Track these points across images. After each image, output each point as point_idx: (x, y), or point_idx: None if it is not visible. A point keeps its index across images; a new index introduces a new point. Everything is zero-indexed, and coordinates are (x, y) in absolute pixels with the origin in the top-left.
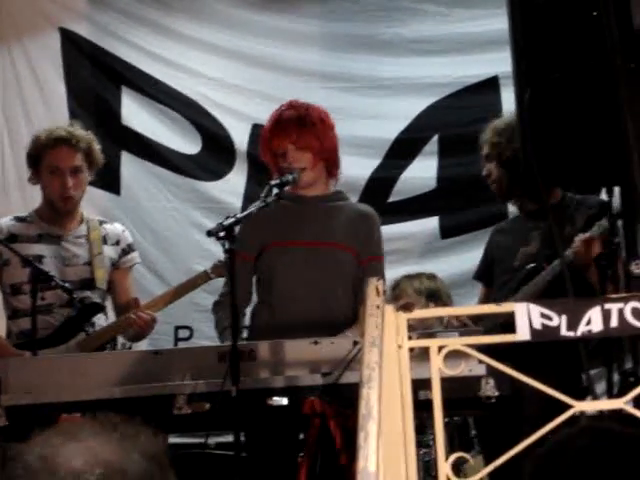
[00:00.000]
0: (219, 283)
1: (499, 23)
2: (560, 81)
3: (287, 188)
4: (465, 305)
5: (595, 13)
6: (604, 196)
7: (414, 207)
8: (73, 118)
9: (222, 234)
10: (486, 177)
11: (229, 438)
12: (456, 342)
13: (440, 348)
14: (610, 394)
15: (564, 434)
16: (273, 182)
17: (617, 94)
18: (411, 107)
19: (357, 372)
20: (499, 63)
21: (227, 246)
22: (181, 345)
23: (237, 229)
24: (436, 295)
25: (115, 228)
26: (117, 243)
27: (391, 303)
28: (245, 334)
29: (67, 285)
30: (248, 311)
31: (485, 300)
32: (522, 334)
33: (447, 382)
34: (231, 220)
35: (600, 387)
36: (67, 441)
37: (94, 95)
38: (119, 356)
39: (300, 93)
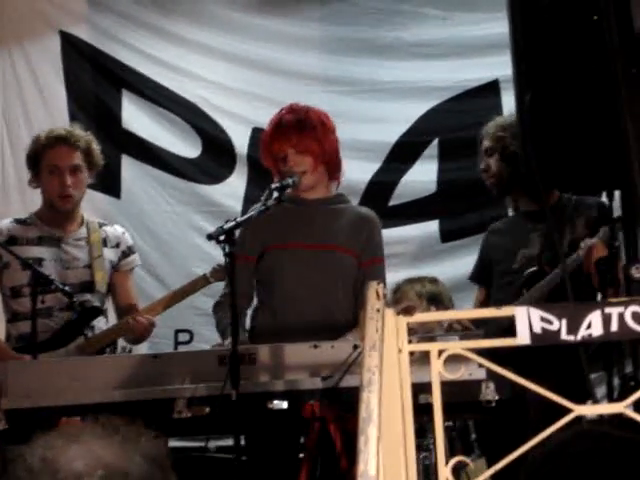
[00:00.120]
0: (219, 287)
1: (500, 27)
2: (561, 85)
3: (288, 191)
4: (465, 309)
5: (596, 17)
6: (604, 199)
7: (414, 211)
8: (73, 121)
9: (222, 238)
10: (483, 171)
11: (229, 442)
12: (456, 346)
13: (440, 352)
14: (610, 398)
15: (560, 439)
16: (273, 185)
17: (618, 98)
18: (412, 111)
19: (357, 376)
20: (500, 67)
21: (227, 250)
22: (181, 349)
23: (238, 231)
24: (438, 299)
25: (115, 230)
26: (117, 245)
27: (392, 306)
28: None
29: (67, 289)
30: (249, 312)
31: (482, 301)
32: (522, 338)
33: (447, 386)
34: (231, 224)
35: (600, 391)
36: (69, 443)
37: (94, 98)
38: (119, 360)
39: (300, 97)
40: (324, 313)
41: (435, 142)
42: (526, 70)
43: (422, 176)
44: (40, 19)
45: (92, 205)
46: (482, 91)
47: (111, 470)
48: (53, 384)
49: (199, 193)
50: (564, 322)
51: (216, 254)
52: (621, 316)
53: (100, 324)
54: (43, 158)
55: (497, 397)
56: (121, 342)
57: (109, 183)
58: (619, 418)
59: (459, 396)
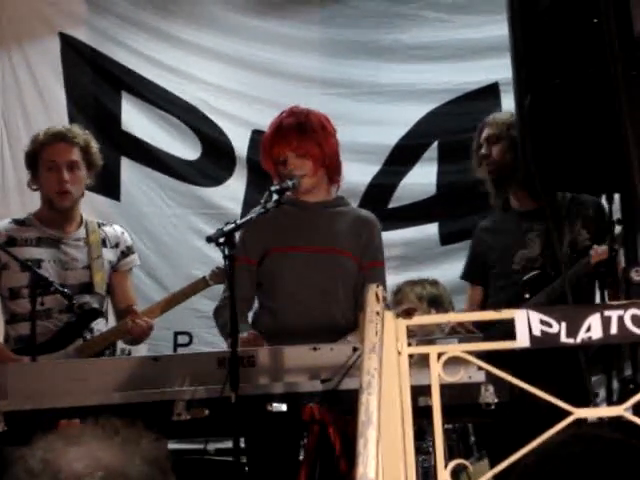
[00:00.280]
0: (219, 289)
1: (499, 29)
2: (560, 88)
3: (288, 194)
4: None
5: (596, 20)
6: (604, 202)
7: (414, 213)
8: (72, 123)
9: (222, 240)
10: (484, 156)
11: (228, 444)
12: (455, 349)
13: (439, 355)
14: (610, 401)
15: (551, 441)
16: (273, 188)
17: (617, 101)
18: (411, 113)
19: (356, 378)
20: (499, 69)
21: (227, 252)
22: (180, 351)
23: (239, 234)
24: (438, 301)
25: (114, 230)
26: (116, 245)
27: (393, 308)
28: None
29: (66, 291)
30: (250, 315)
31: (478, 300)
32: (522, 341)
33: (447, 389)
34: (231, 226)
35: (600, 394)
36: (69, 445)
37: (94, 100)
38: (118, 362)
39: (300, 99)
40: (325, 316)
41: (435, 145)
42: (526, 73)
43: (422, 179)
44: (40, 21)
45: (92, 207)
46: (482, 94)
47: (111, 472)
48: (53, 386)
49: (199, 195)
50: (563, 325)
51: (216, 256)
52: (621, 319)
53: (99, 326)
54: (41, 155)
55: (496, 400)
56: (120, 344)
57: (109, 185)
58: (618, 421)
59: (458, 399)
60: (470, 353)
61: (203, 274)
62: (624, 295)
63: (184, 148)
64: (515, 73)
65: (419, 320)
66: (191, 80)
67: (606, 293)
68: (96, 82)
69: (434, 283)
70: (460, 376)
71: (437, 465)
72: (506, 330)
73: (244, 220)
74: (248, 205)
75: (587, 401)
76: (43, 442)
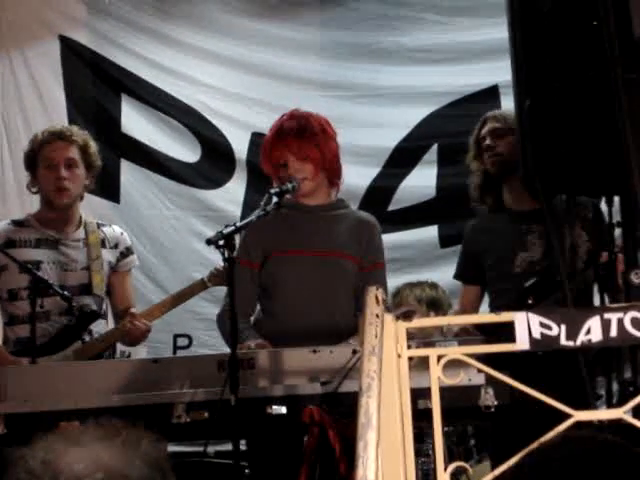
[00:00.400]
0: (219, 292)
1: (499, 32)
2: (560, 90)
3: (288, 197)
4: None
5: (595, 23)
6: (603, 205)
7: (413, 216)
8: (72, 125)
9: (221, 242)
10: (489, 148)
11: (228, 447)
12: (455, 351)
13: (439, 357)
14: (609, 404)
15: (545, 444)
16: (273, 190)
17: (617, 104)
18: (411, 116)
19: (356, 381)
20: (499, 72)
21: (226, 254)
22: (180, 353)
23: (240, 237)
24: (437, 304)
25: (113, 231)
26: (116, 246)
27: (392, 310)
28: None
29: (66, 293)
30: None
31: (471, 299)
32: (521, 343)
33: (446, 391)
34: (230, 229)
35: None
36: (69, 446)
37: (94, 103)
38: (118, 364)
39: (300, 101)
40: (326, 319)
41: (434, 147)
42: (526, 75)
43: (421, 181)
44: (40, 24)
45: (91, 209)
46: (482, 96)
47: (111, 473)
48: (52, 389)
49: (198, 198)
50: (563, 327)
51: (215, 259)
52: (620, 322)
53: (98, 327)
54: (40, 154)
55: (496, 403)
56: (120, 347)
57: (108, 188)
58: (618, 423)
59: (458, 401)
60: (470, 356)
61: (203, 276)
62: (624, 298)
63: (184, 150)
64: (515, 76)
65: (419, 323)
66: (191, 82)
67: (606, 296)
68: (96, 84)
69: (433, 286)
70: (460, 379)
71: (437, 468)
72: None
73: (244, 223)
74: (248, 207)
75: (587, 404)
76: (44, 443)
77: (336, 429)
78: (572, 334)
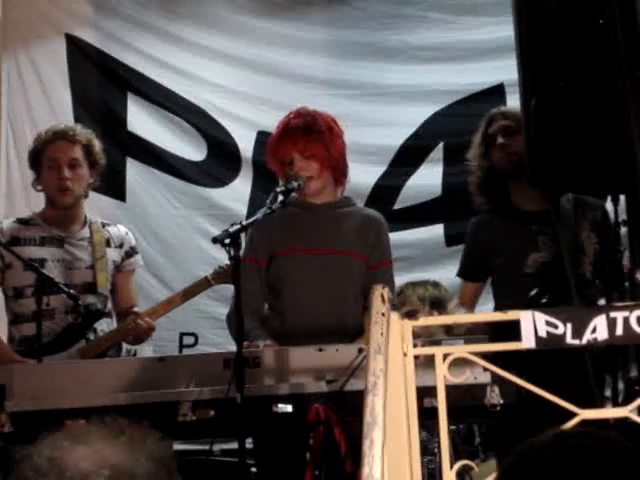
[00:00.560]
0: (224, 290)
1: (505, 31)
2: (566, 89)
3: (294, 195)
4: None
5: (601, 21)
6: (609, 204)
7: (419, 214)
8: (78, 124)
9: (227, 241)
10: (504, 146)
11: (234, 445)
12: (461, 350)
13: (445, 356)
14: (615, 402)
15: (538, 440)
16: (279, 189)
17: (623, 102)
18: (417, 114)
19: (362, 379)
20: (505, 71)
21: (232, 253)
22: (186, 352)
23: (248, 235)
24: (440, 303)
25: (118, 230)
26: (121, 246)
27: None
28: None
29: (72, 292)
30: None
31: (470, 295)
32: (527, 342)
33: (452, 390)
34: (236, 227)
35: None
36: (75, 443)
37: (100, 101)
38: (124, 363)
39: (306, 100)
40: (334, 318)
41: (440, 146)
42: (531, 74)
43: (427, 180)
44: (46, 22)
45: (97, 208)
46: (487, 95)
47: (117, 470)
48: (58, 387)
49: (204, 196)
50: (569, 326)
51: (221, 257)
52: (626, 320)
53: (103, 326)
54: (43, 154)
55: (502, 401)
56: (126, 345)
57: (114, 186)
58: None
59: (464, 400)
60: (476, 354)
61: (207, 274)
62: (630, 296)
63: (190, 149)
64: (521, 74)
65: (425, 321)
66: (197, 81)
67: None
68: (102, 83)
69: (436, 285)
70: (466, 377)
71: (442, 466)
72: None
73: (250, 221)
74: (254, 206)
75: (593, 402)
76: (50, 440)
77: (342, 427)
78: (578, 332)
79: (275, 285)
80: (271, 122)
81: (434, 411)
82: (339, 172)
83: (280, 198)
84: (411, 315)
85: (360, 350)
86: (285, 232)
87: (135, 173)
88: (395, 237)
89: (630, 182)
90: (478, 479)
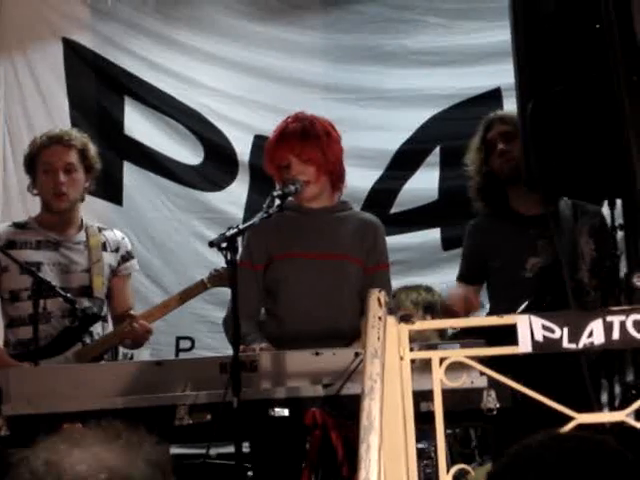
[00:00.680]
0: (221, 294)
1: (502, 35)
2: (563, 93)
3: (291, 199)
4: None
5: (598, 26)
6: (606, 208)
7: (416, 218)
8: (75, 128)
9: (224, 245)
10: (504, 152)
11: (231, 449)
12: (458, 354)
13: (442, 360)
14: (612, 406)
15: (526, 444)
16: (275, 193)
17: (620, 107)
18: (413, 118)
19: (359, 383)
20: (502, 75)
21: (229, 257)
22: (182, 356)
23: (243, 240)
24: (433, 308)
25: (115, 235)
26: (117, 250)
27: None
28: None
29: (69, 296)
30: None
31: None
32: (524, 346)
33: (449, 394)
34: (233, 231)
35: (602, 399)
36: (72, 447)
37: (96, 105)
38: (120, 366)
39: (303, 104)
40: (330, 322)
41: (437, 150)
42: (528, 78)
43: (424, 184)
44: (43, 26)
45: (94, 212)
46: (484, 99)
47: (114, 474)
48: (55, 391)
49: (201, 200)
50: (566, 330)
51: (218, 261)
52: (623, 324)
53: (98, 329)
54: (39, 159)
55: (498, 405)
56: (123, 349)
57: (111, 190)
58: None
59: (460, 404)
60: (472, 358)
61: (203, 277)
62: (626, 301)
63: (186, 153)
64: (517, 78)
65: (421, 325)
66: (194, 85)
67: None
68: (99, 87)
69: (428, 289)
70: (462, 381)
71: (439, 470)
72: None
73: (247, 225)
74: (250, 210)
75: (589, 406)
76: (47, 444)
77: (338, 431)
78: (574, 337)
79: (272, 289)
80: (268, 126)
81: (431, 415)
82: (336, 177)
83: (277, 202)
84: (406, 319)
85: (357, 354)
86: (282, 236)
87: (132, 177)
88: (392, 241)
89: (627, 186)
90: None
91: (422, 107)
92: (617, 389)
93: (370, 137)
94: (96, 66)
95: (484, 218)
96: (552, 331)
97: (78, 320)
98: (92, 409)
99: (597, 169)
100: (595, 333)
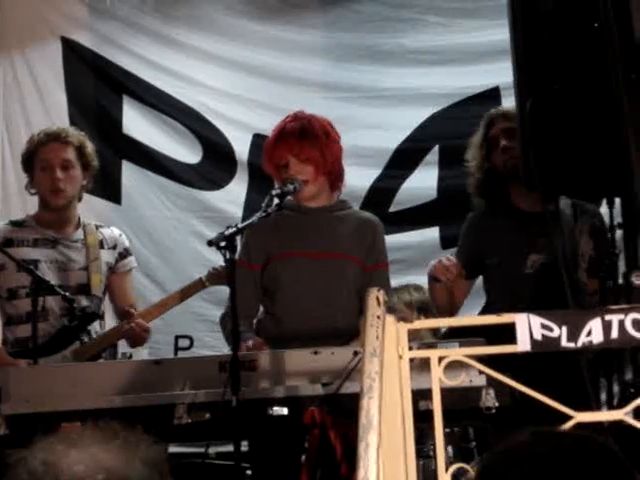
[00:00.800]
0: (220, 293)
1: (500, 34)
2: (561, 92)
3: (290, 198)
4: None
5: (596, 24)
6: (604, 207)
7: (415, 217)
8: (73, 126)
9: (223, 244)
10: (507, 148)
11: (229, 448)
12: (457, 353)
13: (440, 359)
14: (610, 405)
15: (515, 441)
16: (274, 192)
17: (618, 105)
18: (412, 117)
19: (357, 382)
20: (500, 74)
21: (228, 256)
22: (181, 355)
23: (242, 239)
24: (426, 306)
25: (112, 232)
26: (114, 247)
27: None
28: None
29: (68, 294)
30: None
31: (466, 293)
32: (523, 345)
33: (447, 392)
34: (232, 230)
35: (600, 398)
36: (70, 447)
37: (95, 104)
38: (119, 365)
39: (301, 103)
40: (329, 321)
41: (436, 149)
42: (527, 77)
43: (423, 183)
44: (42, 25)
45: (92, 211)
46: (483, 98)
47: (111, 474)
48: (54, 390)
49: (199, 199)
50: (564, 329)
51: (216, 260)
52: (621, 323)
53: (96, 328)
54: (36, 156)
55: (497, 404)
56: (121, 348)
57: (109, 189)
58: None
59: (459, 403)
60: (471, 357)
61: (201, 276)
62: (625, 299)
63: (185, 152)
64: (516, 77)
65: (420, 324)
66: (192, 84)
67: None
68: (97, 86)
69: (419, 288)
70: (461, 380)
71: (438, 469)
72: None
73: (245, 224)
74: (249, 209)
75: (588, 405)
76: (44, 444)
77: (337, 430)
78: (573, 336)
79: (270, 288)
80: (266, 125)
81: (429, 414)
82: (335, 176)
83: (276, 201)
84: (404, 321)
85: (355, 353)
86: (281, 235)
87: (130, 176)
88: (391, 240)
89: (625, 185)
90: None
91: (421, 106)
92: (616, 388)
93: (369, 136)
94: (95, 65)
95: (483, 214)
96: (551, 330)
97: (77, 319)
98: (91, 408)
99: (596, 167)
100: (594, 332)
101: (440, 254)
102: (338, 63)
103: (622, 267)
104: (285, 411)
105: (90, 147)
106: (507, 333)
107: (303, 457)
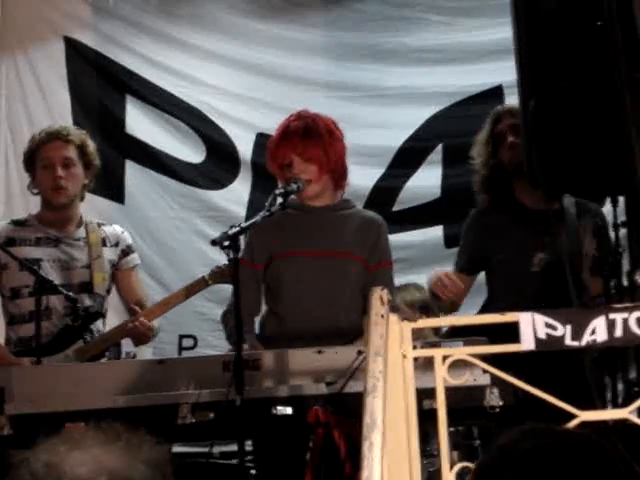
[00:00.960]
0: (224, 292)
1: (503, 32)
2: (565, 90)
3: (294, 197)
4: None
5: (600, 23)
6: (608, 206)
7: (418, 216)
8: (76, 126)
9: (226, 243)
10: (515, 145)
11: (234, 447)
12: (461, 352)
13: (445, 357)
14: (615, 404)
15: (507, 438)
16: (278, 191)
17: (621, 103)
18: (415, 116)
19: (361, 381)
20: (503, 72)
21: (231, 255)
22: (185, 354)
23: (245, 238)
24: (427, 306)
25: (114, 230)
26: (116, 245)
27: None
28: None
29: (71, 294)
30: (257, 320)
31: (467, 289)
32: (527, 343)
33: (451, 391)
34: (235, 229)
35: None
36: (72, 449)
37: (98, 104)
38: (123, 365)
39: (304, 102)
40: (332, 321)
41: (439, 147)
42: (530, 76)
43: (426, 181)
44: (44, 25)
45: (95, 210)
46: (486, 96)
47: (114, 476)
48: (57, 389)
49: (203, 198)
50: (568, 328)
51: (220, 259)
52: (625, 322)
53: (99, 326)
54: (37, 155)
55: (501, 403)
56: (125, 347)
57: (113, 188)
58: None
59: (463, 402)
60: (475, 356)
61: (204, 274)
62: (629, 298)
63: (188, 151)
64: (519, 76)
65: (425, 323)
66: (195, 83)
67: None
68: (100, 85)
69: (419, 288)
70: (465, 379)
71: (442, 468)
72: None
73: (249, 223)
74: (253, 208)
75: (592, 404)
76: (47, 446)
77: (341, 430)
78: (577, 334)
79: (274, 287)
80: (270, 124)
81: (433, 413)
82: (338, 175)
83: (279, 200)
84: (408, 320)
85: (359, 352)
86: (284, 234)
87: (133, 175)
88: (394, 239)
89: (629, 183)
90: None
91: (424, 105)
92: (620, 386)
93: (372, 135)
94: (97, 64)
95: (486, 211)
96: (555, 328)
97: (80, 319)
98: (95, 408)
99: (599, 166)
100: (598, 330)
101: (444, 253)
102: (340, 62)
103: (626, 266)
104: (289, 410)
105: (92, 146)
106: (509, 332)
107: (307, 456)
